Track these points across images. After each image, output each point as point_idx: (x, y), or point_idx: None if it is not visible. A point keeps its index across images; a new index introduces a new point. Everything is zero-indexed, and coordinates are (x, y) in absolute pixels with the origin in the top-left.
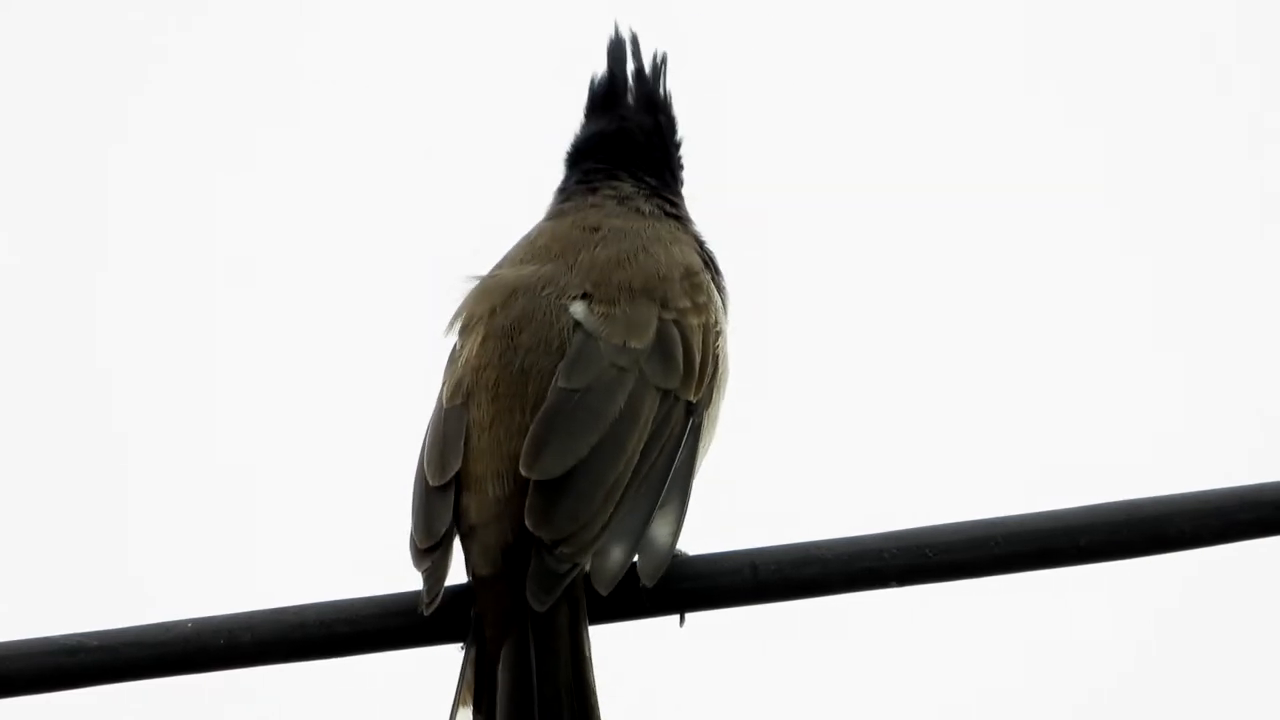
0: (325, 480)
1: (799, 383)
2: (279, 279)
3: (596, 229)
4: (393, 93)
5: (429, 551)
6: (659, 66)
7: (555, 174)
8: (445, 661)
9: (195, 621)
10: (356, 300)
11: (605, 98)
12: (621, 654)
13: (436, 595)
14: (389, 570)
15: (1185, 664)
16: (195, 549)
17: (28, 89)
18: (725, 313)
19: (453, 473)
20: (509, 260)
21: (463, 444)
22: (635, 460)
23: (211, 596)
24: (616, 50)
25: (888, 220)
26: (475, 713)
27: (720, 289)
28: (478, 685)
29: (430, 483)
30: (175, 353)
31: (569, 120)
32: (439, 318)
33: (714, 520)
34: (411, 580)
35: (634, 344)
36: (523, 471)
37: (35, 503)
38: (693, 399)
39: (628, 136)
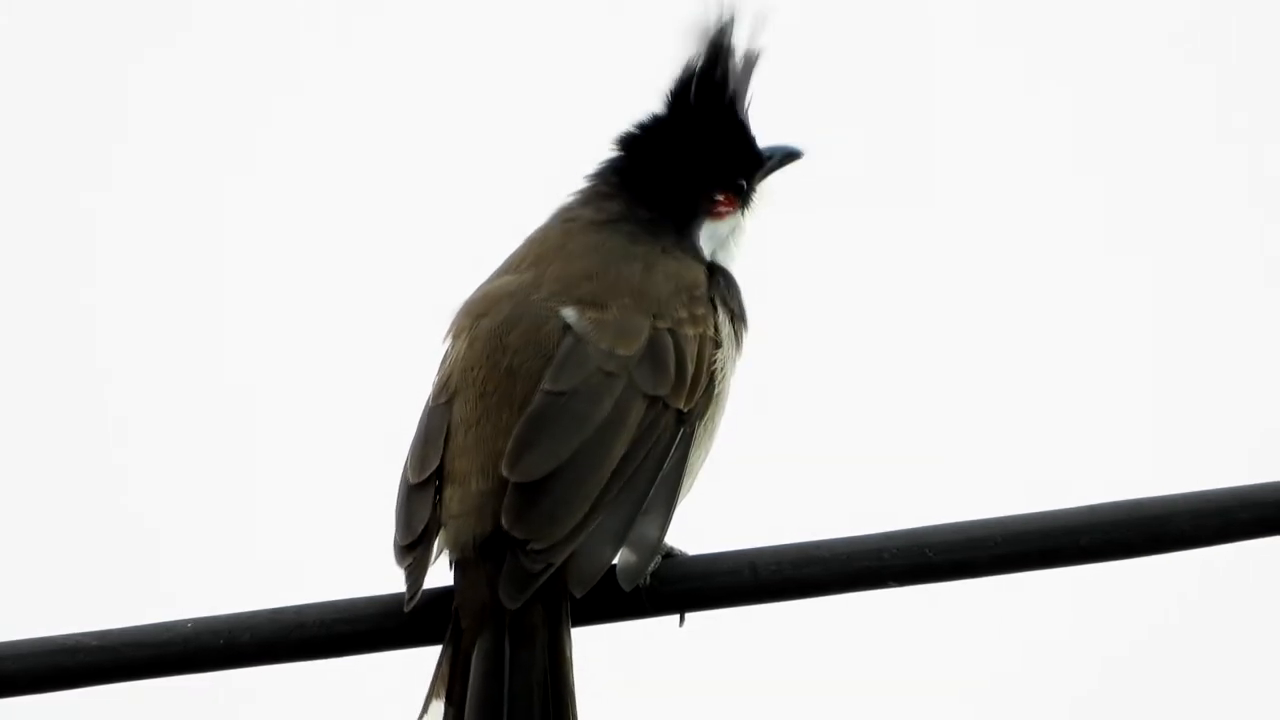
0: (325, 481)
1: (799, 383)
2: (279, 281)
3: (565, 245)
4: (392, 94)
5: (409, 549)
6: (748, 65)
7: (554, 178)
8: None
9: (195, 621)
10: (358, 302)
11: (674, 95)
12: (622, 654)
13: (417, 592)
14: (389, 570)
15: (1185, 664)
16: (195, 549)
17: (26, 89)
18: (740, 337)
19: (432, 469)
20: (495, 274)
21: (443, 441)
22: (618, 465)
23: (211, 596)
24: (711, 43)
25: (889, 220)
26: (446, 704)
27: (733, 312)
28: (451, 678)
29: (410, 480)
30: (175, 355)
31: (568, 123)
32: (437, 319)
33: (714, 520)
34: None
35: (622, 350)
36: (504, 473)
37: (35, 503)
38: (684, 408)
39: (641, 159)
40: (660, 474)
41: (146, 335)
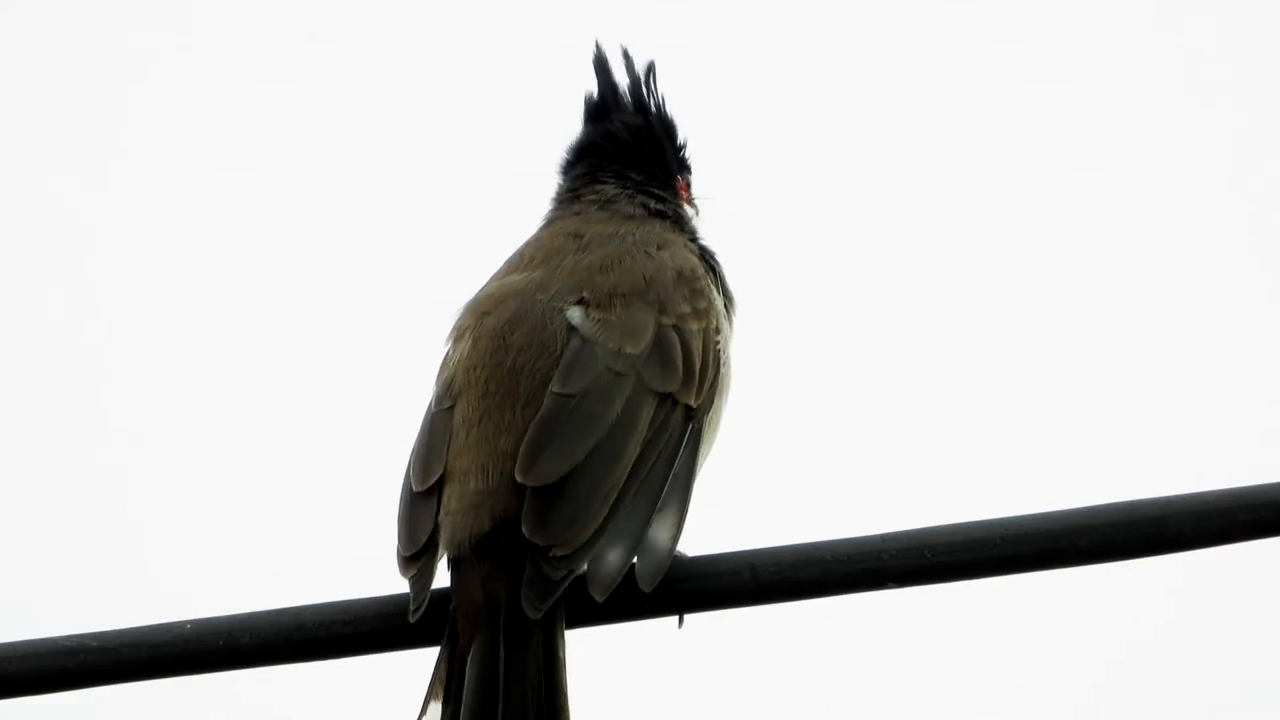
0: (325, 481)
1: (799, 384)
2: (279, 282)
3: (579, 235)
4: (392, 95)
5: (413, 559)
6: (647, 73)
7: (553, 178)
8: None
9: (195, 623)
10: (358, 303)
11: (595, 109)
12: (621, 655)
13: (423, 602)
14: (389, 571)
15: (1185, 664)
16: (195, 550)
17: (26, 89)
18: (730, 314)
19: (435, 477)
20: (498, 275)
21: (446, 446)
22: (632, 465)
23: (211, 598)
24: (600, 64)
25: (889, 220)
26: (444, 706)
27: (723, 290)
28: (448, 678)
29: (414, 488)
30: (177, 356)
31: (568, 123)
32: (437, 320)
33: (713, 521)
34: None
35: (629, 349)
36: (518, 478)
37: (36, 504)
38: (693, 403)
39: (613, 139)
40: (672, 473)
41: (147, 337)
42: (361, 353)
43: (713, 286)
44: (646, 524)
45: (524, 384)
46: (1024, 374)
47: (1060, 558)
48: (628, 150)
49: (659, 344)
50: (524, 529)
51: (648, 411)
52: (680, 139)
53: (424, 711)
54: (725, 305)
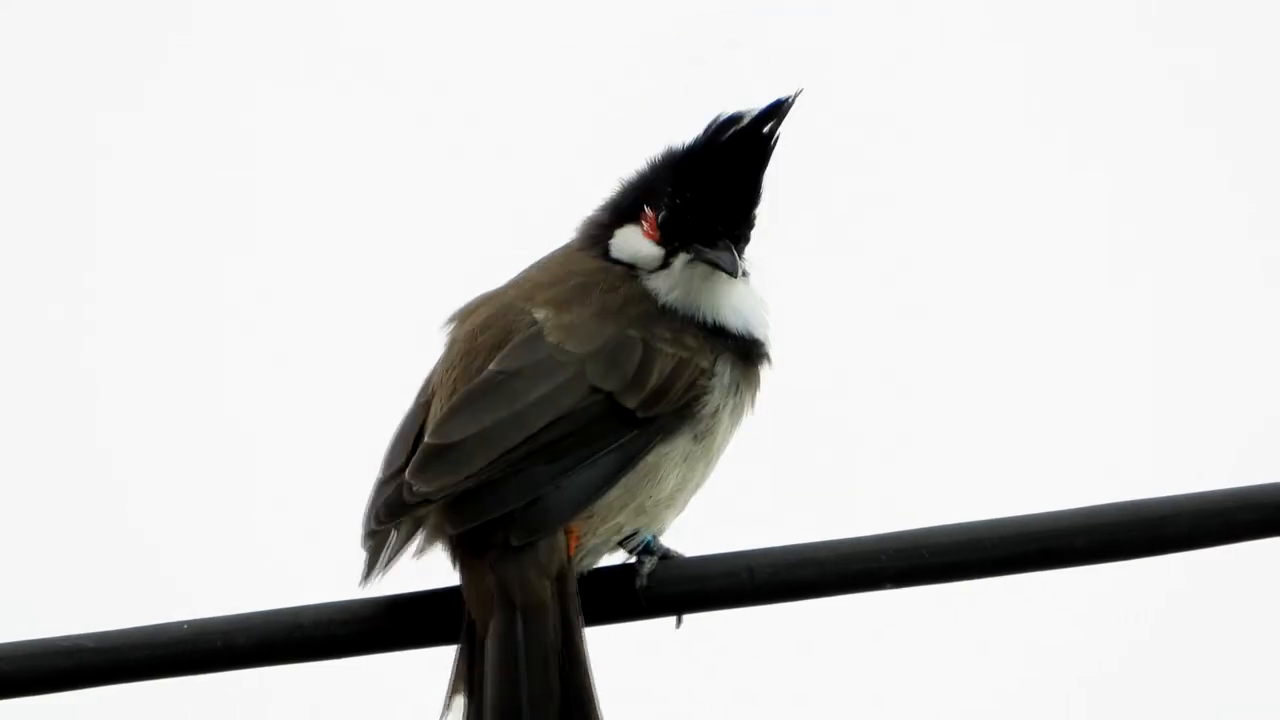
0: (323, 482)
1: (796, 384)
2: (279, 283)
3: (547, 266)
4: (400, 94)
5: (372, 534)
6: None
7: (557, 181)
8: (445, 662)
9: (193, 623)
10: (358, 304)
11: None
12: (619, 656)
13: (372, 570)
14: (388, 572)
15: (1184, 664)
16: (193, 551)
17: (28, 89)
18: (744, 387)
19: (398, 465)
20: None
21: (414, 438)
22: (536, 433)
23: (209, 598)
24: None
25: (889, 220)
26: (468, 698)
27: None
28: (470, 668)
29: (380, 476)
30: (175, 356)
31: (565, 127)
32: (437, 322)
33: (711, 522)
34: (408, 582)
35: (577, 348)
36: (425, 437)
37: (34, 505)
38: (634, 408)
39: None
40: (592, 457)
41: (145, 338)
42: (361, 354)
43: (719, 359)
44: (543, 484)
45: None
46: (1024, 374)
47: (1060, 558)
48: (624, 186)
49: (616, 347)
50: (406, 473)
51: (573, 398)
52: (684, 168)
53: (448, 707)
54: (740, 386)
